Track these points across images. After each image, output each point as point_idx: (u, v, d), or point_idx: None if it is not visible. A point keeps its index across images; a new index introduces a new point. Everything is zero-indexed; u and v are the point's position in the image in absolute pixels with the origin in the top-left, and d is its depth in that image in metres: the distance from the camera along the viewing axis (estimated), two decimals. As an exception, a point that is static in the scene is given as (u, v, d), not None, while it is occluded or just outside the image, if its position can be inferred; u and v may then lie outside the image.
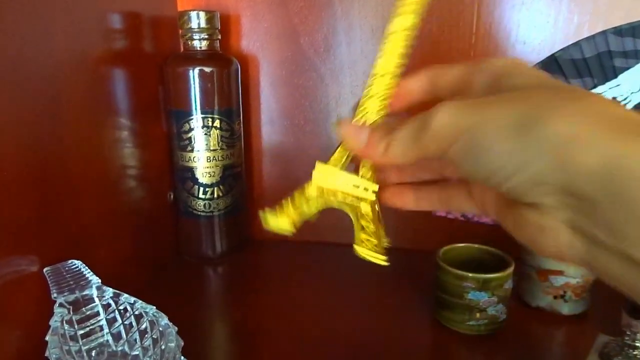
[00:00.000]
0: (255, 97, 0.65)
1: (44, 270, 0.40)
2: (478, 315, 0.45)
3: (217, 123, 0.58)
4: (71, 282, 0.39)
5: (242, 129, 0.62)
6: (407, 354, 0.45)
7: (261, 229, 0.70)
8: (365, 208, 0.33)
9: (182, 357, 0.36)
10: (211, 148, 0.58)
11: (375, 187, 0.32)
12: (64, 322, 0.37)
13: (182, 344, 0.34)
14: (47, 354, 0.33)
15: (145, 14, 0.56)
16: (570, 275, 0.47)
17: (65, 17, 0.44)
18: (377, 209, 0.34)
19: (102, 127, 0.51)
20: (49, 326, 0.35)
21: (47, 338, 0.34)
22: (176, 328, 0.36)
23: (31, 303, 0.40)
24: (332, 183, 0.32)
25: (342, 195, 0.32)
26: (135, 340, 0.39)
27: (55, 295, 0.38)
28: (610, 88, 0.55)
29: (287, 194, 0.69)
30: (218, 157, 0.59)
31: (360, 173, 0.31)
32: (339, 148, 0.32)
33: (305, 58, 0.63)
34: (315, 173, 0.33)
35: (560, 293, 0.48)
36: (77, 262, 0.42)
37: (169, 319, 0.38)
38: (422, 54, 0.60)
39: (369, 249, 0.34)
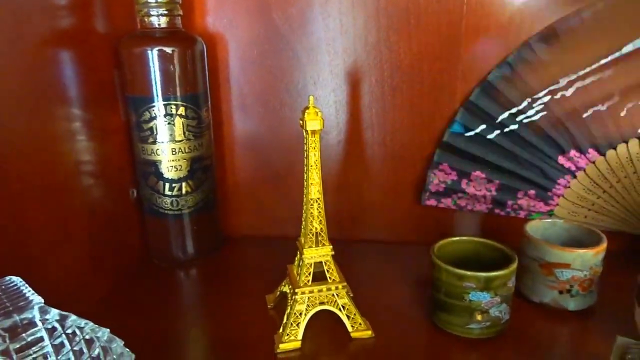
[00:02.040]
0: (224, 81, 0.59)
1: (-25, 290, 0.34)
2: (479, 317, 0.40)
3: (181, 110, 0.52)
4: (7, 304, 0.33)
5: (210, 116, 0.56)
6: (401, 363, 0.40)
7: (238, 225, 0.65)
8: (342, 300, 0.43)
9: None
10: (176, 139, 0.52)
11: (344, 282, 0.43)
12: (-2, 353, 0.31)
13: (140, 375, 0.28)
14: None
15: (93, -14, 0.49)
16: (577, 268, 0.43)
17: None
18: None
19: (47, 119, 0.44)
20: (-22, 361, 0.29)
21: (-27, 377, 0.28)
22: (133, 356, 0.30)
23: (-40, 330, 0.34)
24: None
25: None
26: (87, 368, 0.33)
27: (-14, 321, 0.31)
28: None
29: (263, 186, 0.63)
30: (184, 148, 0.53)
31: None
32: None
33: (278, 35, 0.57)
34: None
35: (567, 287, 0.44)
36: (15, 279, 0.35)
37: (134, 333, 0.33)
38: (407, 28, 0.54)
39: (362, 330, 0.43)
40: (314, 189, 0.41)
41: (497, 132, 0.54)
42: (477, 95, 0.54)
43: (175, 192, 0.54)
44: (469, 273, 0.39)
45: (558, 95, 0.52)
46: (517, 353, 0.41)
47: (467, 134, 0.55)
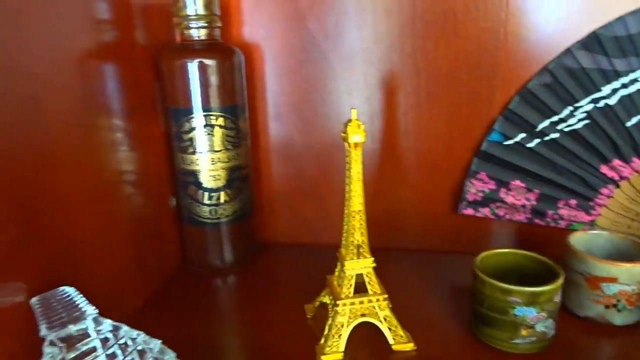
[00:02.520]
0: (260, 91, 0.60)
1: (31, 301, 0.35)
2: (524, 332, 0.40)
3: (220, 121, 0.52)
4: (63, 315, 0.34)
5: (248, 126, 0.56)
6: (444, 377, 0.40)
7: (272, 233, 0.66)
8: (384, 312, 0.43)
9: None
10: (215, 149, 0.53)
11: (385, 294, 0.43)
12: (56, 363, 0.32)
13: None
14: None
15: (135, 0, 0.50)
16: (625, 283, 0.42)
17: (40, 7, 0.38)
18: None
19: (91, 130, 0.45)
20: (38, 370, 0.30)
21: (35, 387, 0.29)
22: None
23: (18, 338, 0.35)
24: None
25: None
26: (139, 379, 0.34)
27: (44, 332, 0.32)
28: (660, 68, 0.49)
29: (298, 194, 0.64)
30: (223, 158, 0.53)
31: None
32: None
33: (313, 44, 0.57)
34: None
35: (613, 302, 0.43)
36: (69, 290, 0.36)
37: (172, 339, 0.33)
38: (445, 37, 0.54)
39: (404, 343, 0.43)
40: (356, 200, 0.41)
41: (537, 140, 0.54)
42: (516, 104, 0.53)
43: (213, 201, 0.54)
44: (515, 288, 0.39)
45: (601, 104, 0.51)
46: (563, 368, 0.40)
47: (506, 143, 0.54)
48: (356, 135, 0.39)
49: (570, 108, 0.52)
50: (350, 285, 0.42)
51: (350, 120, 0.39)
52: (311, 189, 0.63)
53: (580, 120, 0.52)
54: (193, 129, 0.52)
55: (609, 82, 0.50)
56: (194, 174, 0.54)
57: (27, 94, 0.37)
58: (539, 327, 0.40)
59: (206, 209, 0.55)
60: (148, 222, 0.54)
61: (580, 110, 0.52)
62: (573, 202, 0.54)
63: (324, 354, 0.41)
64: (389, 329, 0.43)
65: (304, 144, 0.61)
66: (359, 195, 0.41)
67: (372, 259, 0.42)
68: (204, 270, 0.58)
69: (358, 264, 0.42)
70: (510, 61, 0.53)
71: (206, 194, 0.54)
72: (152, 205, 0.55)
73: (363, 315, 0.43)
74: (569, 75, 0.51)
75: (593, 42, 0.50)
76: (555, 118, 0.53)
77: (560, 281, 0.40)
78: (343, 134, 0.40)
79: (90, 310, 0.35)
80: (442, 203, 0.60)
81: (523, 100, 0.53)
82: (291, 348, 0.44)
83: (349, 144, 0.40)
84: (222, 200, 0.55)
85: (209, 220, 0.55)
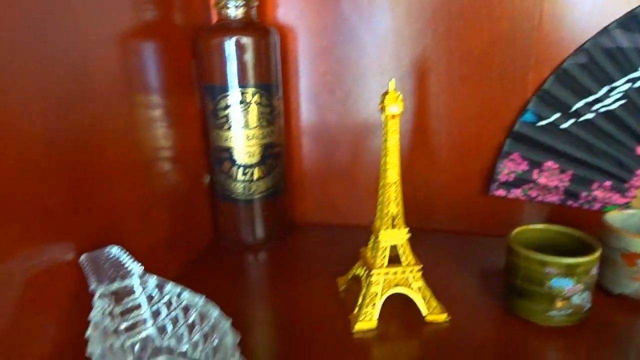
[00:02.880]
0: (293, 71, 0.61)
1: (80, 259, 0.37)
2: (560, 304, 0.40)
3: (256, 98, 0.53)
4: (110, 272, 0.35)
5: (282, 105, 0.57)
6: (477, 348, 0.40)
7: (302, 212, 0.66)
8: (418, 283, 0.44)
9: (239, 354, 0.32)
10: (250, 126, 0.54)
11: (420, 265, 0.43)
12: (105, 314, 0.33)
13: (239, 338, 0.30)
14: (88, 351, 0.29)
15: (177, -21, 0.51)
16: (663, 259, 0.42)
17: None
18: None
19: (133, 105, 0.46)
20: (89, 321, 0.32)
21: (87, 334, 0.30)
22: (230, 320, 0.31)
23: (67, 295, 0.36)
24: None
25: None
26: (182, 334, 0.35)
27: (93, 286, 0.34)
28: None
29: (328, 175, 0.64)
30: (257, 135, 0.54)
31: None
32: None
33: (347, 25, 0.58)
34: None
35: (651, 279, 0.43)
36: (116, 249, 0.38)
37: None
38: (479, 17, 0.54)
39: (437, 314, 0.43)
40: (393, 172, 0.41)
41: (572, 121, 0.53)
42: (551, 84, 0.53)
43: (247, 178, 0.56)
44: (552, 259, 0.39)
45: (638, 84, 0.51)
46: (598, 343, 0.40)
47: (540, 123, 0.54)
48: (394, 106, 0.40)
49: (606, 88, 0.52)
50: (384, 256, 0.43)
51: (387, 92, 0.40)
52: (342, 170, 0.63)
53: (616, 100, 0.52)
54: (229, 105, 0.53)
55: (647, 61, 0.50)
56: (229, 150, 0.55)
57: (78, 70, 0.38)
58: (575, 300, 0.40)
59: (240, 185, 0.56)
60: (183, 198, 0.55)
61: (617, 90, 0.51)
62: (607, 183, 0.54)
63: (358, 321, 0.42)
64: (423, 299, 0.43)
65: (336, 125, 0.62)
66: (395, 166, 0.41)
67: (407, 229, 0.43)
68: (236, 246, 0.59)
69: (393, 235, 0.43)
70: (545, 41, 0.53)
71: (240, 170, 0.55)
72: (187, 181, 0.56)
73: (397, 285, 0.43)
74: (606, 55, 0.51)
75: (631, 21, 0.50)
76: (590, 98, 0.52)
77: (597, 253, 0.39)
78: (380, 105, 0.41)
79: (137, 267, 0.36)
80: (472, 184, 0.60)
81: (558, 81, 0.53)
82: (324, 320, 0.45)
83: (386, 115, 0.40)
84: (255, 176, 0.56)
85: (242, 197, 0.56)
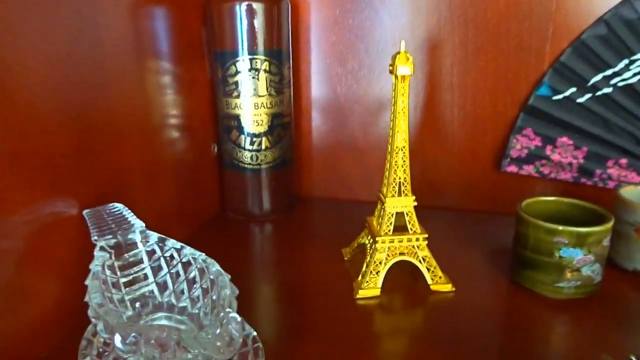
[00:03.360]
0: (305, 40, 0.60)
1: (84, 212, 0.37)
2: (569, 275, 0.39)
3: (265, 65, 0.53)
4: (113, 225, 0.35)
5: (291, 74, 0.57)
6: (483, 320, 0.39)
7: (309, 186, 0.66)
8: (423, 252, 0.43)
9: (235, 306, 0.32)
10: (259, 94, 0.53)
11: (425, 234, 0.43)
12: (106, 267, 0.33)
13: (237, 292, 0.29)
14: (86, 298, 0.29)
15: (188, -59, 0.51)
16: (679, 234, 0.40)
17: None
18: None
19: (143, 70, 0.46)
20: (89, 270, 0.32)
21: (87, 282, 0.30)
22: (229, 275, 0.31)
23: (70, 248, 0.36)
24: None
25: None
26: (183, 290, 0.35)
27: (95, 238, 0.34)
28: None
29: (337, 149, 0.64)
30: (266, 104, 0.54)
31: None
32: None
33: (361, -5, 0.56)
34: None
35: (665, 254, 0.41)
36: (119, 205, 0.38)
37: None
38: (496, 5, 0.52)
39: (443, 284, 0.43)
40: (400, 136, 0.41)
41: (589, 95, 0.52)
42: (568, 56, 0.51)
43: (255, 147, 0.55)
44: (561, 227, 0.38)
45: (660, 57, 0.49)
46: (607, 318, 0.39)
47: (555, 98, 0.53)
48: (404, 67, 0.39)
49: (626, 61, 0.50)
50: (390, 223, 0.42)
51: (398, 52, 0.39)
52: (352, 144, 0.63)
53: (635, 74, 0.50)
54: (238, 72, 0.53)
55: (670, 32, 0.48)
56: (237, 118, 0.54)
57: (89, 31, 0.38)
58: (585, 271, 0.39)
59: (247, 154, 0.56)
60: (190, 166, 0.55)
61: (636, 64, 0.50)
62: (623, 161, 0.52)
63: (362, 288, 0.41)
64: (428, 269, 0.42)
65: (347, 98, 0.61)
66: (403, 131, 0.41)
67: (414, 197, 0.42)
68: (242, 217, 0.59)
69: (399, 202, 0.42)
70: (563, 12, 0.52)
71: (248, 138, 0.55)
72: (195, 149, 0.56)
73: (402, 254, 0.42)
74: (626, 26, 0.49)
75: (655, -10, 0.48)
76: (609, 72, 0.51)
77: (610, 224, 0.38)
78: (390, 67, 0.40)
79: (139, 223, 0.36)
80: (484, 160, 0.59)
81: (575, 53, 0.51)
82: (328, 287, 0.44)
83: (396, 76, 0.39)
84: (263, 146, 0.55)
85: (249, 166, 0.56)
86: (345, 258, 0.48)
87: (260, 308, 0.42)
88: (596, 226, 0.38)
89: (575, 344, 0.37)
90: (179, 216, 0.53)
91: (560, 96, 0.53)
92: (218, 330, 0.26)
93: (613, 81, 0.51)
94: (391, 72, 0.40)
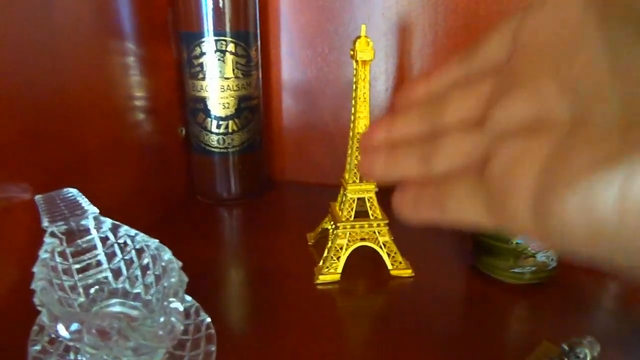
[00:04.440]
0: (273, 22, 0.59)
1: (36, 197, 0.36)
2: (525, 261, 0.39)
3: (231, 47, 0.52)
4: (65, 211, 0.35)
5: (259, 56, 0.56)
6: (442, 304, 0.40)
7: (280, 170, 0.66)
8: (384, 238, 0.43)
9: (187, 296, 0.32)
10: (225, 76, 0.52)
11: (386, 220, 0.42)
12: (56, 253, 0.32)
13: (186, 280, 0.29)
14: (33, 285, 0.28)
15: None
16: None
17: None
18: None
19: (103, 50, 0.45)
20: (38, 257, 0.31)
21: (34, 269, 0.30)
22: (180, 263, 0.31)
23: (22, 233, 0.36)
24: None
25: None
26: (137, 277, 0.34)
27: (46, 224, 0.33)
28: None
29: (308, 132, 0.63)
30: (233, 86, 0.53)
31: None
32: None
33: (330, -25, 0.55)
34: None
35: (621, 240, 0.42)
36: (73, 190, 0.37)
37: (176, 258, 0.34)
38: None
39: (403, 269, 0.43)
40: (362, 122, 0.40)
41: (556, 81, 0.52)
42: (536, 41, 0.51)
43: (222, 130, 0.54)
44: (517, 214, 0.38)
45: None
46: (563, 301, 0.40)
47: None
48: (364, 52, 0.38)
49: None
50: (352, 209, 0.42)
51: (359, 37, 0.38)
52: (323, 127, 0.62)
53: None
54: (204, 53, 0.52)
55: None
56: (204, 101, 0.53)
57: (43, 12, 0.37)
58: (540, 257, 0.39)
59: (215, 137, 0.55)
60: (156, 149, 0.54)
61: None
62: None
63: (322, 273, 0.42)
64: (388, 254, 0.43)
65: (317, 81, 0.60)
66: (364, 117, 0.40)
67: (375, 183, 0.42)
68: (210, 201, 0.58)
69: (360, 188, 0.42)
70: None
71: (215, 122, 0.54)
72: (161, 132, 0.55)
73: (363, 239, 0.43)
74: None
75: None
76: (576, 57, 0.50)
77: (565, 211, 0.39)
78: (351, 51, 0.39)
79: (92, 209, 0.36)
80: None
81: (544, 38, 0.51)
82: (291, 271, 0.44)
83: (356, 61, 0.39)
84: (230, 129, 0.55)
85: (217, 150, 0.56)
86: (310, 243, 0.48)
87: (222, 292, 0.42)
88: (552, 213, 0.38)
89: (531, 329, 0.38)
90: (144, 200, 0.53)
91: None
92: (162, 319, 0.26)
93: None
94: (352, 57, 0.39)
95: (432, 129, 0.18)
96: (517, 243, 0.39)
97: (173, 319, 0.25)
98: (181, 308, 0.25)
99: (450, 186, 0.17)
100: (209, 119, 0.54)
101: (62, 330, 0.26)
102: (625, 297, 0.42)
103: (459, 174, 0.16)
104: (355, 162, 0.41)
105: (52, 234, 0.33)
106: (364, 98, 0.40)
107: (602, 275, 0.43)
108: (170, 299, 0.26)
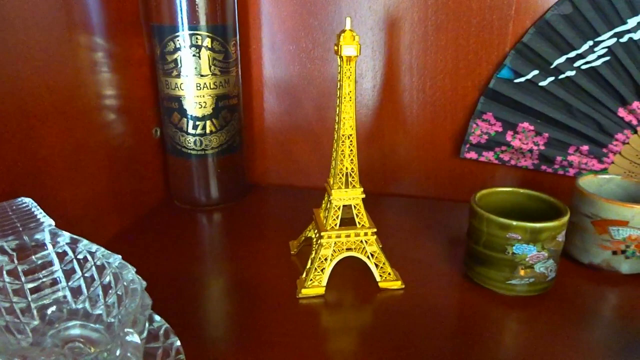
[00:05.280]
0: (254, 16, 0.55)
1: (-16, 209, 0.32)
2: (522, 272, 0.37)
3: (207, 42, 0.48)
4: (17, 224, 0.31)
5: (238, 52, 0.52)
6: (433, 318, 0.37)
7: (262, 172, 0.62)
8: (372, 248, 0.40)
9: (156, 316, 0.28)
10: (201, 73, 0.49)
11: (374, 228, 0.39)
12: (4, 272, 0.29)
13: (150, 303, 0.26)
14: (-27, 313, 0.25)
15: None
16: (636, 227, 0.39)
17: None
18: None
19: (66, 46, 0.41)
20: (-18, 278, 0.28)
21: (-25, 293, 0.26)
22: (144, 283, 0.28)
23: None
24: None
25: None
26: (98, 296, 0.31)
27: (-6, 239, 0.30)
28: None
29: (292, 132, 0.60)
30: (210, 84, 0.50)
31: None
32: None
33: (314, -34, 0.52)
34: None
35: (622, 248, 0.40)
36: (27, 200, 0.34)
37: (150, 270, 0.31)
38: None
39: (392, 280, 0.40)
40: (347, 123, 0.37)
41: (551, 79, 0.49)
42: (531, 37, 0.49)
43: (199, 131, 0.51)
44: (514, 223, 0.35)
45: (625, 38, 0.46)
46: (561, 315, 0.37)
47: (517, 81, 0.50)
48: (349, 48, 0.35)
49: (590, 43, 0.47)
50: (337, 217, 0.39)
51: (343, 31, 0.35)
52: (306, 126, 0.59)
53: (600, 56, 0.48)
54: (178, 49, 0.48)
55: (636, 13, 0.46)
56: (179, 100, 0.50)
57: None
58: (539, 268, 0.36)
59: (191, 138, 0.51)
60: (128, 151, 0.51)
61: (601, 45, 0.47)
62: (585, 148, 0.50)
63: (305, 287, 0.39)
64: (376, 265, 0.40)
65: (300, 77, 0.57)
66: (350, 117, 0.37)
67: (362, 189, 0.39)
68: (187, 206, 0.55)
69: (346, 194, 0.39)
70: (528, -11, 0.48)
71: (191, 122, 0.51)
72: (134, 133, 0.51)
73: (349, 249, 0.40)
74: (592, 5, 0.46)
75: None
76: (572, 54, 0.48)
77: (565, 218, 0.36)
78: (335, 46, 0.36)
79: (48, 221, 0.32)
80: (443, 146, 0.56)
81: (539, 33, 0.48)
82: (273, 283, 0.41)
83: (341, 57, 0.36)
84: (208, 130, 0.51)
85: (194, 152, 0.52)
86: (292, 252, 0.45)
87: (200, 307, 0.39)
88: (551, 221, 0.35)
89: (527, 343, 0.35)
90: (115, 206, 0.49)
91: (522, 79, 0.50)
92: (118, 352, 0.22)
93: (577, 64, 0.48)
94: (336, 52, 0.36)
95: None
96: (513, 253, 0.36)
97: (129, 354, 0.21)
98: (138, 341, 0.22)
99: None
100: (185, 119, 0.51)
101: (3, 366, 0.23)
102: (623, 308, 0.39)
103: None
104: (341, 166, 0.38)
105: (2, 250, 0.30)
106: (350, 97, 0.37)
107: (600, 286, 0.41)
108: (127, 330, 0.22)
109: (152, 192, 0.55)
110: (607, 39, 0.47)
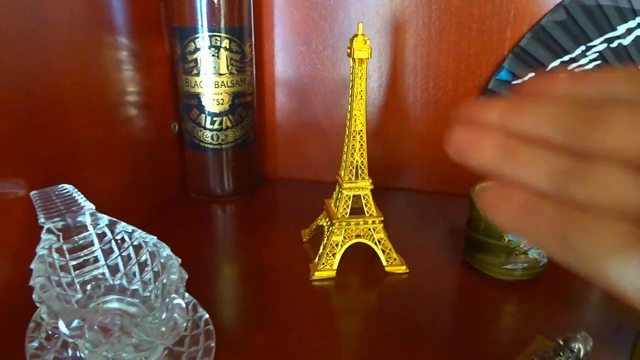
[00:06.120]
0: (267, 18, 0.59)
1: (31, 193, 0.36)
2: (517, 258, 0.40)
3: (226, 43, 0.52)
4: (61, 207, 0.35)
5: (253, 52, 0.56)
6: (435, 300, 0.40)
7: (273, 166, 0.66)
8: (379, 235, 0.43)
9: (187, 293, 0.32)
10: (220, 72, 0.52)
11: (381, 217, 0.43)
12: (53, 250, 0.32)
13: (186, 277, 0.29)
14: (31, 282, 0.28)
15: None
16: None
17: None
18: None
19: (95, 45, 0.45)
20: (35, 253, 0.31)
21: (32, 265, 0.30)
22: (179, 260, 0.31)
23: (18, 230, 0.35)
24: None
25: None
26: (134, 273, 0.34)
27: (42, 220, 0.33)
28: None
29: (301, 129, 0.63)
30: (227, 82, 0.53)
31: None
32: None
33: (325, -27, 0.55)
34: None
35: (609, 237, 0.43)
36: (69, 187, 0.37)
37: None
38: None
39: (397, 265, 0.43)
40: (358, 120, 0.41)
41: (546, 80, 0.52)
42: (528, 41, 0.52)
43: (216, 126, 0.54)
44: (510, 211, 0.39)
45: (615, 44, 0.50)
46: (554, 298, 0.41)
47: (515, 82, 0.54)
48: (361, 51, 0.38)
49: (583, 47, 0.51)
50: (347, 206, 0.43)
51: (356, 35, 0.39)
52: (315, 125, 0.62)
53: (591, 60, 0.51)
54: (198, 49, 0.51)
55: (625, 20, 0.49)
56: (198, 97, 0.53)
57: (34, 5, 0.36)
58: (532, 253, 0.40)
59: (209, 133, 0.55)
60: (149, 145, 0.54)
61: (593, 50, 0.51)
62: (577, 145, 0.54)
63: (318, 270, 0.42)
64: (383, 251, 0.43)
65: (310, 77, 0.60)
66: (361, 114, 0.41)
67: (370, 180, 0.42)
68: (204, 197, 0.58)
69: (356, 185, 0.42)
70: (525, -3, 0.52)
71: (209, 118, 0.54)
72: (154, 127, 0.55)
73: (358, 236, 0.43)
74: (585, 13, 0.50)
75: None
76: (566, 57, 0.52)
77: (556, 208, 0.39)
78: (348, 50, 0.39)
79: (88, 205, 0.35)
80: (445, 143, 0.59)
81: (535, 38, 0.52)
82: (286, 267, 0.45)
83: (353, 59, 0.39)
84: (224, 125, 0.55)
85: (211, 146, 0.55)
86: (304, 239, 0.49)
87: (218, 289, 0.43)
88: (543, 211, 0.39)
89: (522, 324, 0.38)
90: (136, 196, 0.52)
91: (519, 81, 0.53)
92: (164, 315, 0.26)
93: (570, 67, 0.52)
94: (349, 54, 0.39)
95: (574, 144, 0.14)
96: (509, 240, 0.40)
97: (176, 315, 0.25)
98: (183, 304, 0.25)
99: (588, 224, 0.14)
100: (203, 115, 0.54)
101: (62, 327, 0.26)
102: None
103: (604, 213, 0.14)
104: (351, 159, 0.42)
105: (49, 231, 0.33)
106: (361, 96, 0.40)
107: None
108: (173, 295, 0.26)
109: (170, 184, 0.59)
110: (598, 44, 0.50)
